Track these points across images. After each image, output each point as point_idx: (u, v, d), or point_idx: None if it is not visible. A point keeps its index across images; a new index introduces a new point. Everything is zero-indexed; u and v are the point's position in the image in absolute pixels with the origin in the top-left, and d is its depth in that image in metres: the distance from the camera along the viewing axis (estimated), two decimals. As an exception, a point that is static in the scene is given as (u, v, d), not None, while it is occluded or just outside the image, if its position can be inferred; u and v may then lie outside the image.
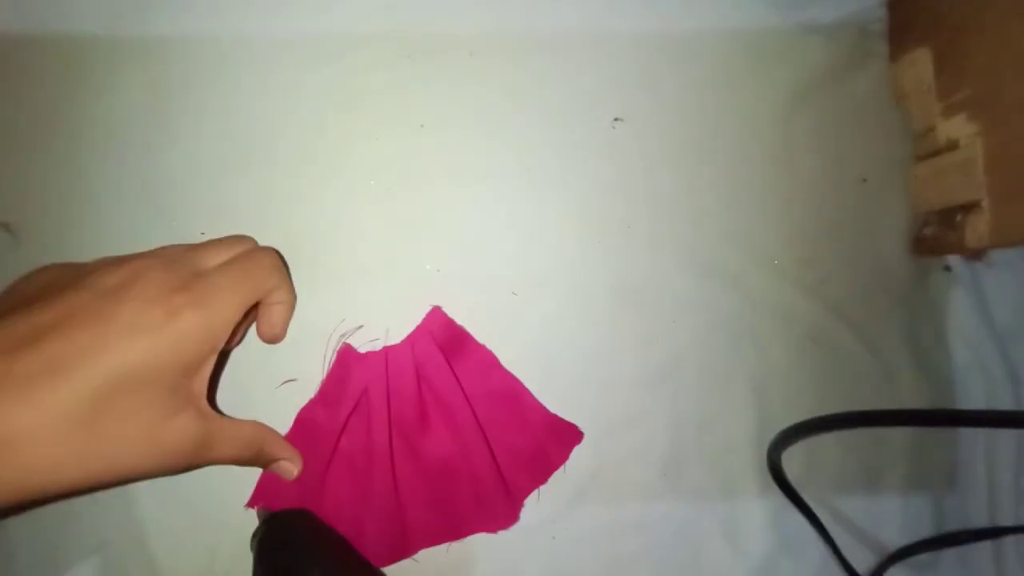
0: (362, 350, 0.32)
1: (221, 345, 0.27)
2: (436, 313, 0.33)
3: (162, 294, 0.25)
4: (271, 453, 0.30)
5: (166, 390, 0.25)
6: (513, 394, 0.33)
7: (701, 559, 0.33)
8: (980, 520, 0.34)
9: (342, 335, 0.33)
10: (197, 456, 0.26)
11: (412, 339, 0.33)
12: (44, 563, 0.31)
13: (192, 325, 0.25)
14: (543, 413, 0.33)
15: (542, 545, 0.33)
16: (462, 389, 0.32)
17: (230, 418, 0.30)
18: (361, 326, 0.33)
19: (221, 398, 0.32)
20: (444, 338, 0.33)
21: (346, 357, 0.32)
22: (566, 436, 0.33)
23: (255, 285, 0.28)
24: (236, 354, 0.32)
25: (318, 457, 0.31)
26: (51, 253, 0.33)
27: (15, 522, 0.31)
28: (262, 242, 0.33)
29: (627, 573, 0.33)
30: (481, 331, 0.33)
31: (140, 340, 0.24)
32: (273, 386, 0.32)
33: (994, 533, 0.34)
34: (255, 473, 0.32)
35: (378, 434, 0.31)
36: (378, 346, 0.33)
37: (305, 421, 0.32)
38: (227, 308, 0.27)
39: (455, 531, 0.32)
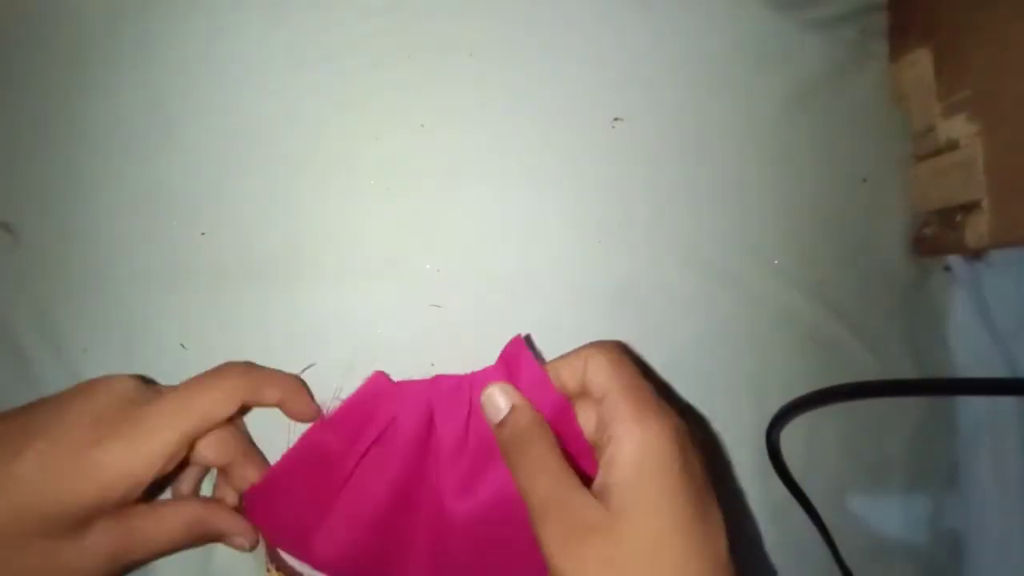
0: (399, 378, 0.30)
1: (147, 479, 0.25)
2: (516, 344, 0.28)
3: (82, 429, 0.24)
4: (218, 530, 0.29)
5: (58, 522, 0.24)
6: (576, 442, 0.27)
7: (701, 559, 0.33)
8: (982, 520, 0.34)
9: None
10: (121, 561, 0.26)
11: (477, 376, 0.28)
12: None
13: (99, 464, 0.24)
14: None
15: (542, 545, 0.33)
16: None
17: (162, 505, 0.28)
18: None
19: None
20: (522, 379, 0.27)
21: (375, 385, 0.29)
22: None
23: (201, 410, 0.26)
24: (235, 358, 0.32)
25: (328, 483, 0.29)
26: (51, 253, 0.33)
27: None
28: (262, 241, 0.33)
29: (627, 573, 0.33)
30: (481, 331, 0.33)
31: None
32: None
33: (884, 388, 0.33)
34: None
35: (397, 472, 0.28)
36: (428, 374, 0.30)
37: (315, 442, 0.29)
38: (154, 441, 0.25)
39: None
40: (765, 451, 0.34)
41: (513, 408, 0.26)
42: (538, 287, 0.34)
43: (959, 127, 0.32)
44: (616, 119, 0.35)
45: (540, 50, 0.35)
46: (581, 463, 0.26)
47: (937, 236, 0.34)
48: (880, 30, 0.37)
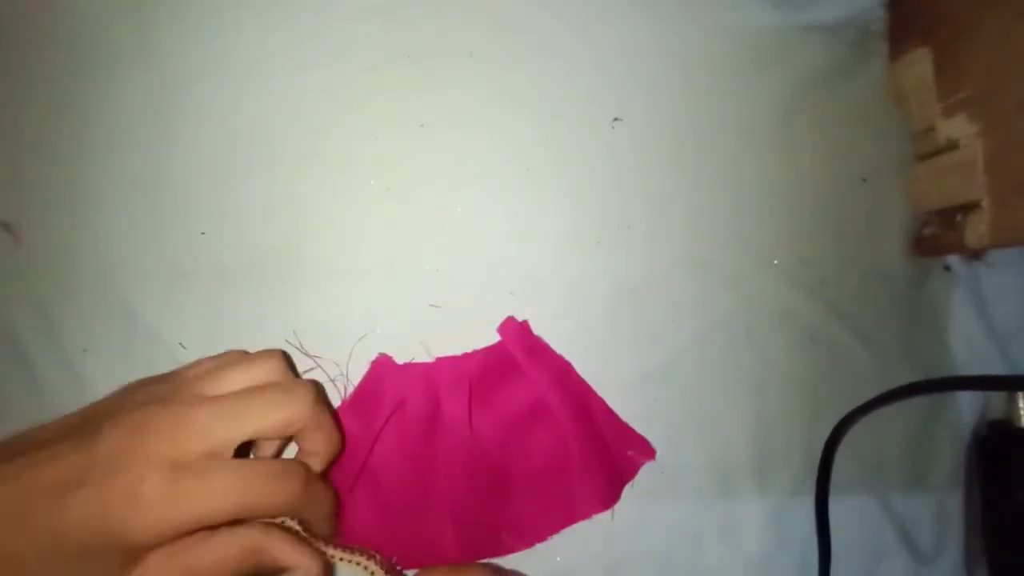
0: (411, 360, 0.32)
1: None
2: (509, 323, 0.33)
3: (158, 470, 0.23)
4: (276, 561, 0.26)
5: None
6: (584, 404, 0.33)
7: (700, 559, 0.33)
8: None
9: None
10: None
11: (476, 353, 0.32)
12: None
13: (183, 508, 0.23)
14: (616, 424, 0.33)
15: (542, 545, 0.33)
16: (524, 403, 0.32)
17: (221, 533, 0.25)
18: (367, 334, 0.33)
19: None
20: (519, 348, 0.32)
21: (381, 368, 0.32)
22: (637, 449, 0.33)
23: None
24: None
25: (350, 464, 0.31)
26: (51, 253, 0.33)
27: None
28: (262, 241, 0.33)
29: (627, 573, 0.33)
30: (480, 332, 0.33)
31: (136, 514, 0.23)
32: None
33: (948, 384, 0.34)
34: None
35: (413, 447, 0.31)
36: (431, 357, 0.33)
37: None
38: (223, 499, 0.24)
39: (494, 550, 0.32)
40: (763, 452, 0.34)
41: None
42: (538, 287, 0.34)
43: (959, 127, 0.32)
44: (616, 119, 0.35)
45: (540, 50, 0.35)
46: (588, 410, 0.32)
47: (937, 236, 0.34)
48: (880, 30, 0.37)
